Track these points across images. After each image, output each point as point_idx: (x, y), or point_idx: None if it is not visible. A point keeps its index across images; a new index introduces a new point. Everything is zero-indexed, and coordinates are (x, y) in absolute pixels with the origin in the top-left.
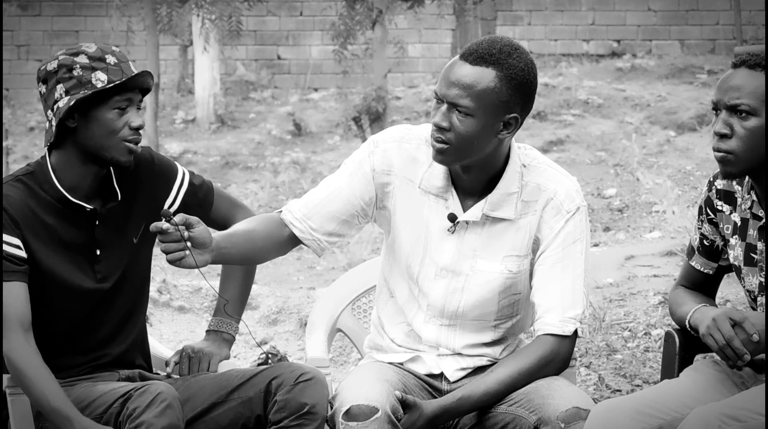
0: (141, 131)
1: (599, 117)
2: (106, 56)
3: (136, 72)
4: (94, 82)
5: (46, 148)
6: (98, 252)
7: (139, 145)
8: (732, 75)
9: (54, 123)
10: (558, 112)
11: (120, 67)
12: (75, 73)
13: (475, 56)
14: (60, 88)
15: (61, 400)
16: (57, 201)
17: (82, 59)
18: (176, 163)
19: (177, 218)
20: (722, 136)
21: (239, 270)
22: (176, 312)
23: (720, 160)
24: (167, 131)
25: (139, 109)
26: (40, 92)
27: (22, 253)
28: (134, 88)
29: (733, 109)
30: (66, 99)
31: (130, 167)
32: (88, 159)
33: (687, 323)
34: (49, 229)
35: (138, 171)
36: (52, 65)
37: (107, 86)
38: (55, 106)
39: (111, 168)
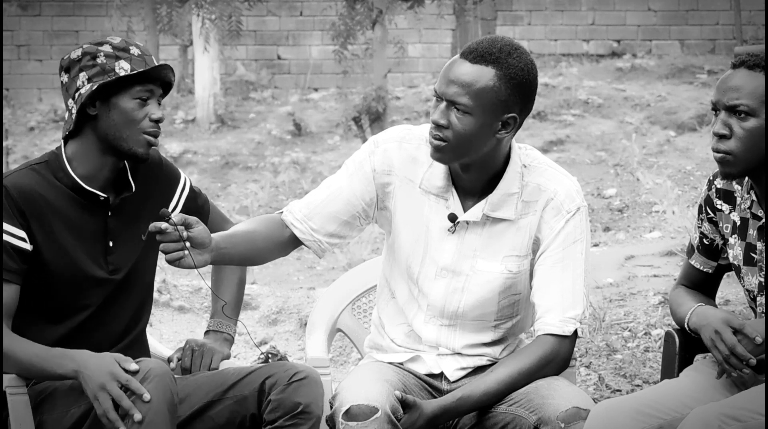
0: (160, 125)
1: (599, 117)
2: (130, 47)
3: (158, 64)
4: (117, 70)
5: (63, 137)
6: (111, 243)
7: (157, 138)
8: (731, 75)
9: (75, 110)
10: (558, 112)
11: (143, 58)
12: (99, 60)
13: (475, 55)
14: (83, 76)
15: (49, 351)
16: (71, 189)
17: (107, 48)
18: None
19: (176, 218)
20: (721, 137)
21: (232, 274)
22: (176, 312)
23: (719, 160)
24: (167, 131)
25: (159, 103)
26: (62, 82)
27: (26, 246)
28: (156, 79)
29: (732, 110)
30: (89, 86)
31: (146, 161)
32: (106, 149)
33: (686, 325)
34: (62, 217)
35: (148, 170)
36: (75, 53)
37: (130, 74)
38: (77, 94)
39: (126, 161)
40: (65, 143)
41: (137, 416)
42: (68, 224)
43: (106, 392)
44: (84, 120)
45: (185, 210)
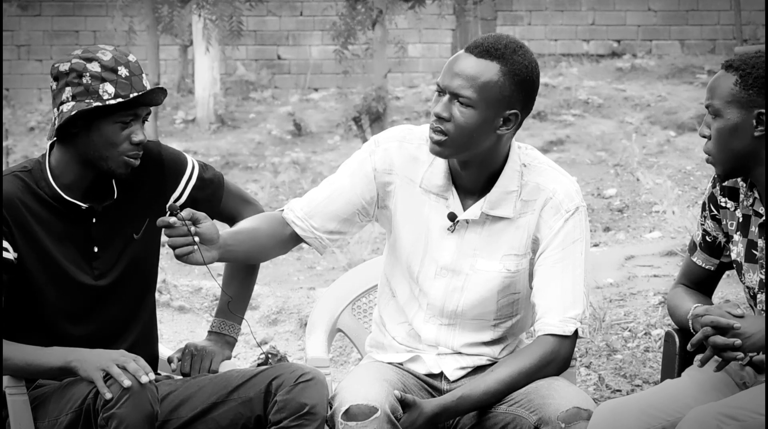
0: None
1: (599, 117)
2: (119, 68)
3: (147, 88)
4: (101, 93)
5: (48, 142)
6: (95, 249)
7: (137, 159)
8: (714, 77)
9: (56, 124)
10: (558, 112)
11: (130, 80)
12: (84, 80)
13: (480, 49)
14: (68, 91)
15: (43, 348)
16: (52, 199)
17: (94, 67)
18: (186, 155)
19: (184, 213)
20: (705, 138)
21: (242, 271)
22: (176, 312)
23: (707, 161)
24: (167, 131)
25: (144, 121)
26: (51, 87)
27: (9, 256)
28: (141, 104)
29: (708, 110)
30: (71, 105)
31: (125, 178)
32: (86, 163)
33: (690, 326)
34: (45, 225)
35: (144, 166)
36: (64, 66)
37: (112, 102)
38: (61, 107)
39: None
40: (51, 148)
41: (126, 382)
42: (51, 232)
43: (100, 371)
44: (66, 133)
45: (192, 199)
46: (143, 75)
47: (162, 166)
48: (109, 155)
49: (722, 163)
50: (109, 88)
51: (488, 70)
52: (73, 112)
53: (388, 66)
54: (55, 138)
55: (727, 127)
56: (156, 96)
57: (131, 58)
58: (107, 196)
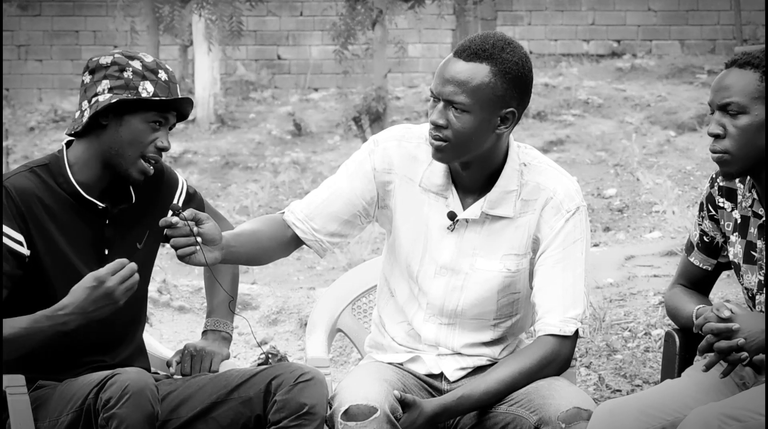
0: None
1: (599, 117)
2: (159, 71)
3: (181, 96)
4: (140, 89)
5: (68, 135)
6: (106, 251)
7: (153, 166)
8: (723, 75)
9: (88, 113)
10: (558, 112)
11: (168, 85)
12: (125, 74)
13: (468, 52)
14: (105, 83)
15: (42, 318)
16: (69, 195)
17: (136, 65)
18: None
19: (186, 213)
20: (716, 137)
21: (226, 271)
22: (176, 312)
23: (717, 160)
24: None
25: (170, 130)
26: (83, 81)
27: (23, 250)
28: (174, 110)
29: (724, 109)
30: (108, 95)
31: (138, 184)
32: (105, 162)
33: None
34: (59, 222)
35: (149, 179)
36: (105, 59)
37: (151, 98)
38: (94, 98)
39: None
40: (68, 144)
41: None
42: (65, 230)
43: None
44: (93, 127)
45: None
46: (178, 85)
47: (163, 182)
48: (131, 154)
49: (742, 161)
50: (149, 87)
51: (478, 72)
52: (113, 100)
53: (388, 66)
54: (79, 130)
55: (755, 123)
56: (186, 106)
57: (169, 67)
58: (123, 200)
